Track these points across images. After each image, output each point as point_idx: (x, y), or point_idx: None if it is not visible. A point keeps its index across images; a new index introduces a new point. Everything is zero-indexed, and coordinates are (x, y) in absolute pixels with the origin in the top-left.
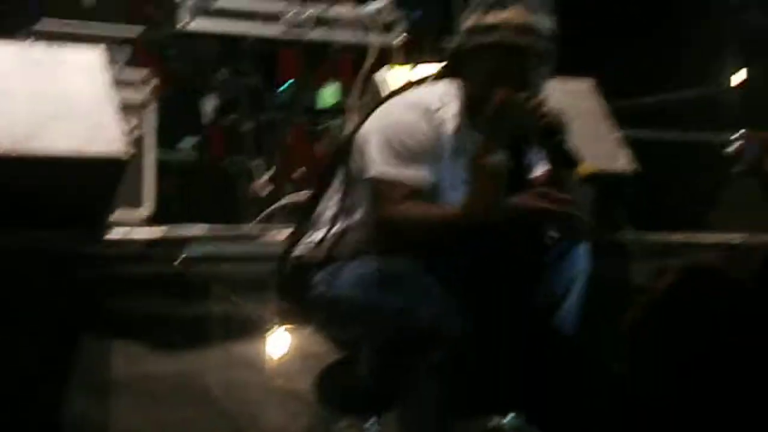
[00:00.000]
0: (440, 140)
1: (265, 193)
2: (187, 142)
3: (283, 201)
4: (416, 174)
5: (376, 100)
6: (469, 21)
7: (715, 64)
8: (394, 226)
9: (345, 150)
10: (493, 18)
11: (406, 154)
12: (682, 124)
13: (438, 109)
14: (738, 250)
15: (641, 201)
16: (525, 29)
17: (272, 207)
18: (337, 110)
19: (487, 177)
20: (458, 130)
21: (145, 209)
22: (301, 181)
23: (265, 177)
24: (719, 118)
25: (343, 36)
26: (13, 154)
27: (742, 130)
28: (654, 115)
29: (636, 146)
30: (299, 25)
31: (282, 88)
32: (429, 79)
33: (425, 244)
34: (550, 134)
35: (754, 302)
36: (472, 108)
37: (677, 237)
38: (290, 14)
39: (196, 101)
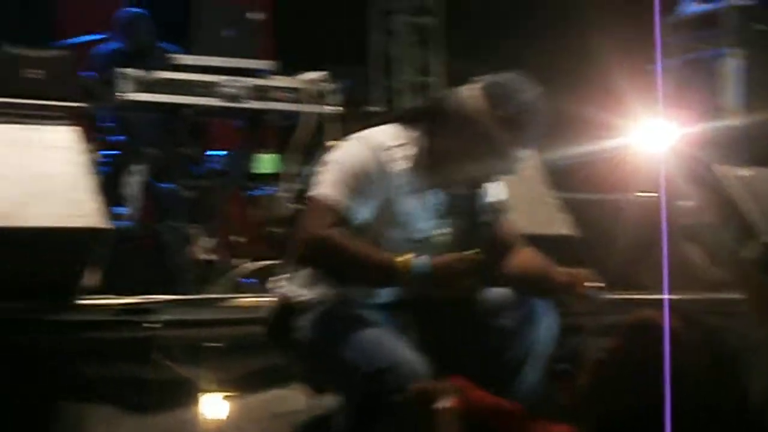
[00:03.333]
0: (386, 177)
1: (204, 259)
2: (121, 210)
3: (245, 267)
4: (355, 206)
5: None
6: (479, 103)
7: None
8: (317, 246)
9: None
10: (514, 111)
11: (351, 185)
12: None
13: (389, 148)
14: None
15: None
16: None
17: (235, 272)
18: (275, 177)
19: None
20: (407, 172)
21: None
22: (240, 247)
23: (204, 243)
24: None
25: (278, 106)
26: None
27: None
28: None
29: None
30: (235, 95)
31: (217, 156)
32: (388, 120)
33: (340, 273)
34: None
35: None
36: (428, 159)
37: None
38: (226, 85)
39: (131, 170)
